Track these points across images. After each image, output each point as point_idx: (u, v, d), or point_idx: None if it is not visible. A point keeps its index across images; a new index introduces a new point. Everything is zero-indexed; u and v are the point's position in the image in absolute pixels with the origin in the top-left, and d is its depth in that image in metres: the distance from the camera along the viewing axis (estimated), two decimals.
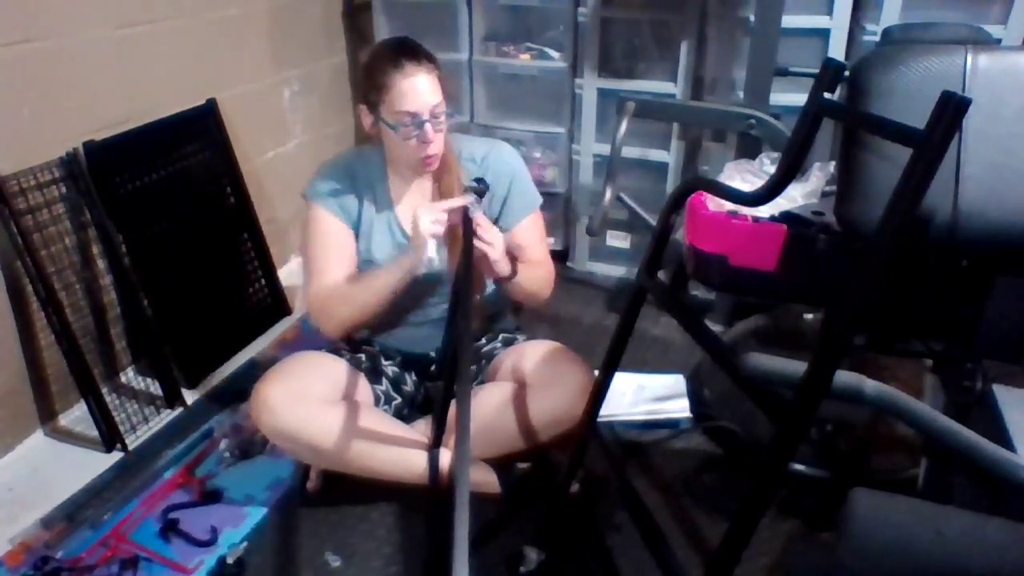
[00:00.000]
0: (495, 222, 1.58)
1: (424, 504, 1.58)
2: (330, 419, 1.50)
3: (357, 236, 1.64)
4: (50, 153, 1.74)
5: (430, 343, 1.72)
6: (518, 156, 1.71)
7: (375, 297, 1.54)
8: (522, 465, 1.64)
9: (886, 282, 1.12)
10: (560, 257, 2.72)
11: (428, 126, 1.49)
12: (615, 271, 2.66)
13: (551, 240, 2.70)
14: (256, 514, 1.61)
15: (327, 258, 1.61)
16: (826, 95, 1.04)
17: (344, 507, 1.62)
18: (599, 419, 1.50)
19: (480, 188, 1.46)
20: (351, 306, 1.56)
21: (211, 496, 1.65)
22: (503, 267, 1.51)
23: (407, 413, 1.71)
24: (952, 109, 0.80)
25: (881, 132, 0.95)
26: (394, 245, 1.64)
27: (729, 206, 1.42)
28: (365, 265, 1.64)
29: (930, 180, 0.83)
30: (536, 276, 1.65)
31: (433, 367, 1.74)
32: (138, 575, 1.47)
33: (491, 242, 1.44)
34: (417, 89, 1.48)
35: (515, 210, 1.66)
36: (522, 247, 1.64)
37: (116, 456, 1.76)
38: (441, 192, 1.62)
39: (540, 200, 1.72)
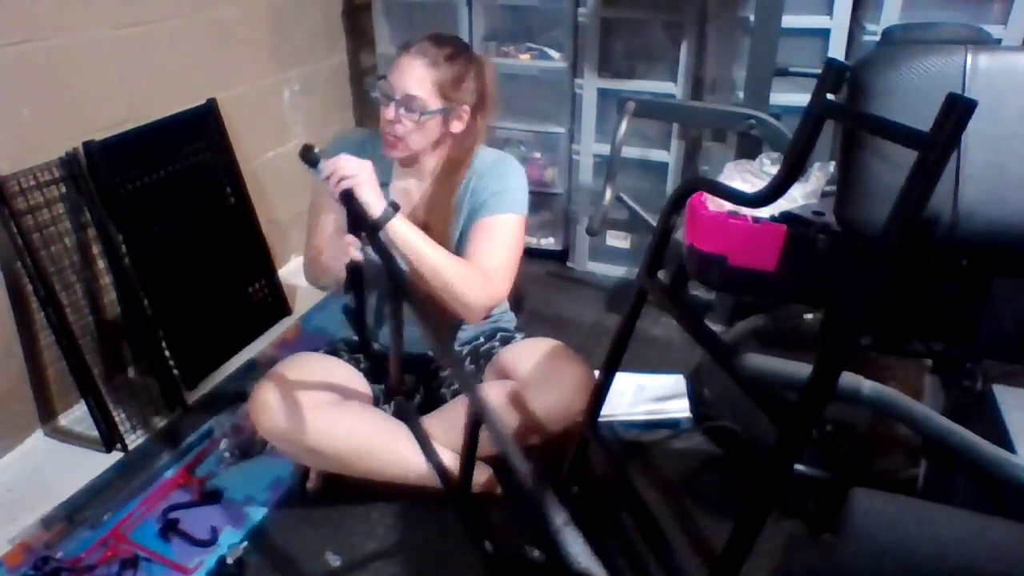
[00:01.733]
0: (468, 215, 1.59)
1: (423, 502, 1.57)
2: (329, 421, 1.49)
3: None
4: (50, 153, 1.74)
5: (429, 342, 1.71)
6: (519, 173, 1.63)
7: (324, 237, 1.59)
8: None
9: (887, 283, 1.12)
10: (560, 257, 2.72)
11: (393, 105, 1.49)
12: (615, 271, 2.66)
13: (551, 240, 2.71)
14: (256, 514, 1.61)
15: (315, 217, 1.65)
16: (829, 96, 1.04)
17: (344, 507, 1.62)
18: (599, 419, 1.50)
19: (311, 158, 1.41)
20: (316, 250, 1.62)
21: (211, 496, 1.65)
22: (369, 197, 1.40)
23: None
24: (958, 111, 0.80)
25: (885, 134, 0.95)
26: None
27: (729, 206, 1.42)
28: None
29: (936, 182, 0.83)
30: (462, 273, 1.50)
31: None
32: (138, 575, 1.47)
33: (353, 173, 1.38)
34: (405, 68, 1.49)
35: (479, 205, 1.58)
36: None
37: (116, 456, 1.76)
38: (435, 188, 1.62)
39: (516, 209, 1.59)
